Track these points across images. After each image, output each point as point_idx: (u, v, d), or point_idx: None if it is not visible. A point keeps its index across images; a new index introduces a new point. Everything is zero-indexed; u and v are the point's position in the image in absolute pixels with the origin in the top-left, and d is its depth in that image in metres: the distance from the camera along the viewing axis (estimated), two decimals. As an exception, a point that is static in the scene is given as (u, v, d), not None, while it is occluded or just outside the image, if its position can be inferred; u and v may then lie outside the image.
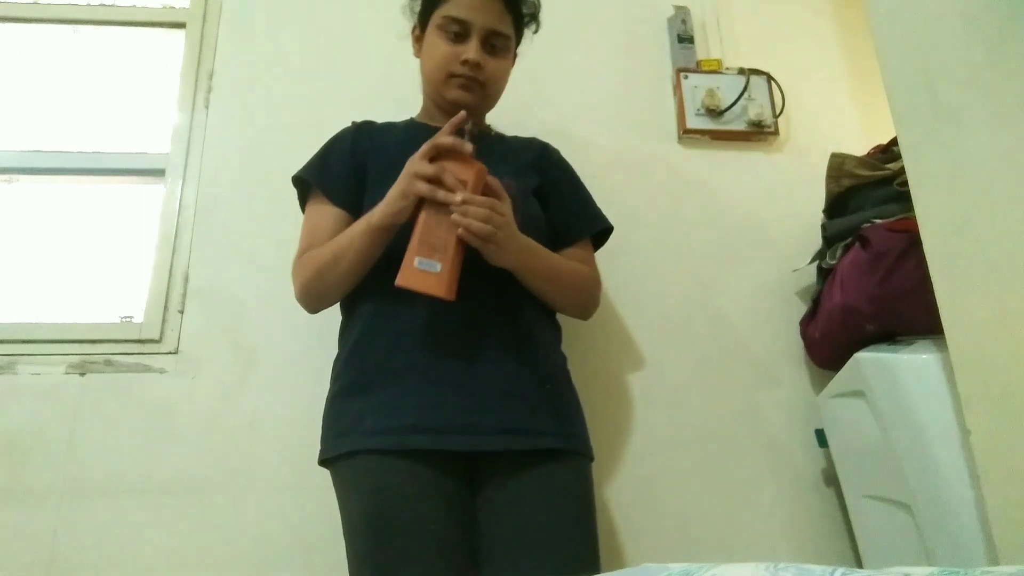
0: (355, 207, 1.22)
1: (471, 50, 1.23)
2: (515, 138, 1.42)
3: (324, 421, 1.15)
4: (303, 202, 1.30)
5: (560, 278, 1.22)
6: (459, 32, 1.24)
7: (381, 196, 1.15)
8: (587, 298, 1.31)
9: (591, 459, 1.19)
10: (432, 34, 1.27)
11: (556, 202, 1.32)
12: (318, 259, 1.16)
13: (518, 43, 1.36)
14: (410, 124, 1.36)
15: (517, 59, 1.39)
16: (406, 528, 1.00)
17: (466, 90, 1.25)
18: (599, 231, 1.37)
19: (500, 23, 1.27)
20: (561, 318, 1.32)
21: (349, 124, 1.34)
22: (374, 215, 1.09)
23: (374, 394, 1.09)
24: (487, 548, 1.06)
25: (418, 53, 1.34)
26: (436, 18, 1.26)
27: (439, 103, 1.31)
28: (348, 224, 1.19)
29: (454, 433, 1.05)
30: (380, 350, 1.12)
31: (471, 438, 1.06)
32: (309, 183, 1.26)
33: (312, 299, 1.21)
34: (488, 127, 1.40)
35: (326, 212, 1.23)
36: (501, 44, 1.28)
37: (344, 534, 1.06)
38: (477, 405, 1.07)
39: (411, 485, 1.03)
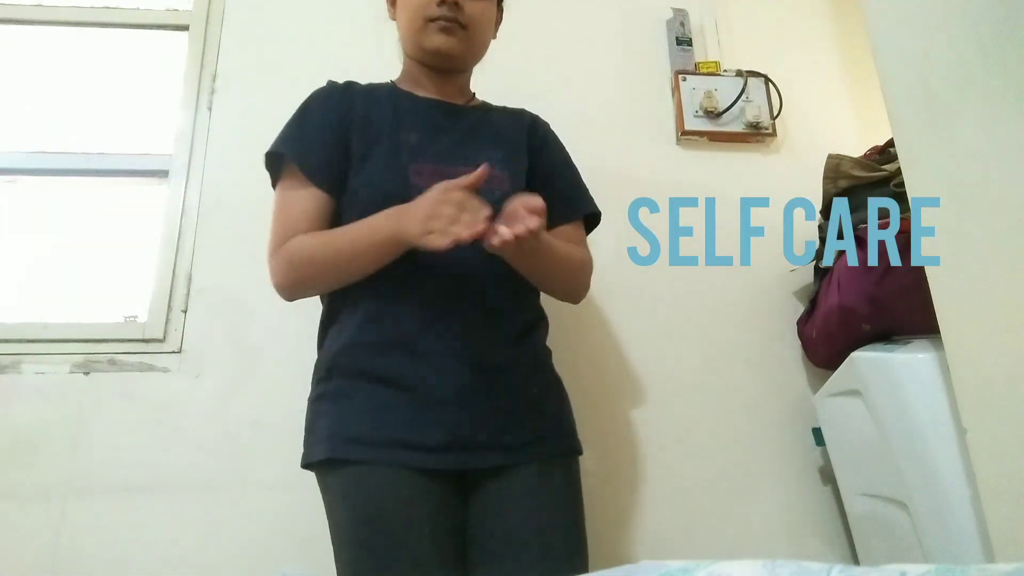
0: (337, 189, 1.13)
1: None
2: (502, 109, 1.32)
3: (308, 424, 1.11)
4: (276, 176, 1.18)
5: (557, 268, 1.16)
6: None
7: (368, 177, 1.12)
8: (580, 283, 1.25)
9: (579, 453, 1.17)
10: None
11: (547, 183, 1.23)
12: (318, 252, 1.08)
13: None
14: (394, 91, 1.25)
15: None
16: (396, 534, 0.99)
17: (448, 33, 1.16)
18: (589, 215, 1.31)
19: None
20: (551, 312, 1.29)
21: (325, 84, 1.25)
22: (408, 230, 1.00)
23: (361, 401, 1.06)
24: (476, 550, 1.05)
25: (393, 16, 1.25)
26: None
27: (420, 57, 1.21)
28: (329, 209, 1.13)
29: (443, 451, 1.03)
30: (368, 356, 1.08)
31: (461, 455, 1.04)
32: (286, 158, 1.14)
33: (300, 290, 1.13)
34: (472, 95, 1.32)
35: (305, 195, 1.12)
36: None
37: (332, 540, 1.04)
38: (466, 421, 1.05)
39: (400, 489, 1.01)
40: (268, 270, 1.12)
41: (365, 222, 1.06)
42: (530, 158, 1.25)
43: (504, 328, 1.13)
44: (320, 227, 1.12)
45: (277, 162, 1.17)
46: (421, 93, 1.24)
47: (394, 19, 1.26)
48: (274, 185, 1.19)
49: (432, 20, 1.16)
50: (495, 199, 1.07)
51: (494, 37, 1.29)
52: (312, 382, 1.15)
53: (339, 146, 1.15)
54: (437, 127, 1.20)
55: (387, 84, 1.28)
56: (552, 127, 1.37)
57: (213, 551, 1.42)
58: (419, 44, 1.19)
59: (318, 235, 1.10)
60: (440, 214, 0.97)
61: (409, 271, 1.07)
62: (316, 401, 1.12)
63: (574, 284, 1.24)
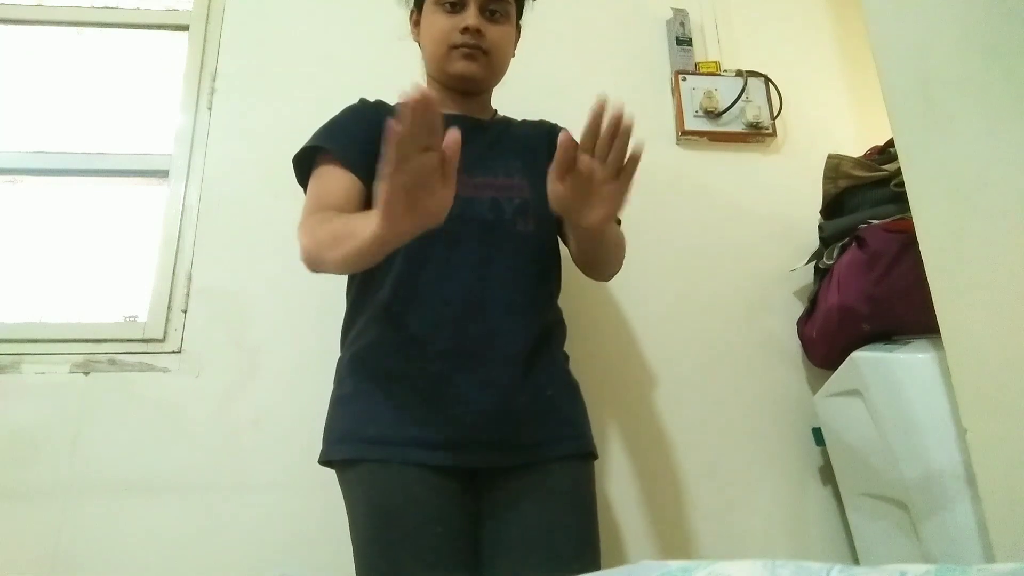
0: (369, 175, 1.11)
1: (470, 17, 1.19)
2: (523, 122, 1.38)
3: (328, 422, 1.14)
4: (307, 175, 1.20)
5: (619, 242, 1.21)
6: (455, 2, 1.20)
7: None
8: (621, 257, 1.26)
9: (595, 457, 1.19)
10: (429, 12, 1.24)
11: None
12: (333, 231, 1.02)
13: (520, 12, 1.32)
14: None
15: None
16: (412, 530, 1.00)
17: (471, 60, 1.21)
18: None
19: None
20: (567, 317, 1.31)
21: (356, 101, 1.29)
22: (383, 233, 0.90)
23: (380, 401, 1.08)
24: (490, 548, 1.06)
25: (417, 37, 1.30)
26: None
27: (444, 80, 1.26)
28: (363, 196, 1.13)
29: (458, 450, 1.05)
30: (387, 357, 1.11)
31: (471, 454, 1.06)
32: (319, 150, 1.17)
33: (316, 264, 1.07)
34: (494, 111, 1.37)
35: (338, 175, 1.14)
36: (500, 10, 1.23)
37: (351, 536, 1.06)
38: (482, 421, 1.07)
39: (416, 488, 1.03)
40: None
41: (360, 216, 1.00)
42: (547, 152, 1.27)
43: (522, 330, 1.15)
44: (354, 209, 1.11)
45: (311, 157, 1.19)
46: (445, 111, 1.26)
47: (417, 41, 1.31)
48: (303, 182, 1.21)
49: (455, 47, 1.20)
50: (515, 206, 1.12)
51: (512, 55, 1.32)
52: (334, 381, 1.18)
53: (371, 149, 1.14)
54: (461, 140, 1.21)
55: None
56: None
57: (213, 551, 1.42)
58: (443, 69, 1.24)
59: (340, 215, 1.08)
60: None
61: (429, 271, 1.11)
62: (337, 401, 1.15)
63: (620, 257, 1.25)
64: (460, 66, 1.22)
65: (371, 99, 1.31)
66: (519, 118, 1.39)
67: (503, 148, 1.25)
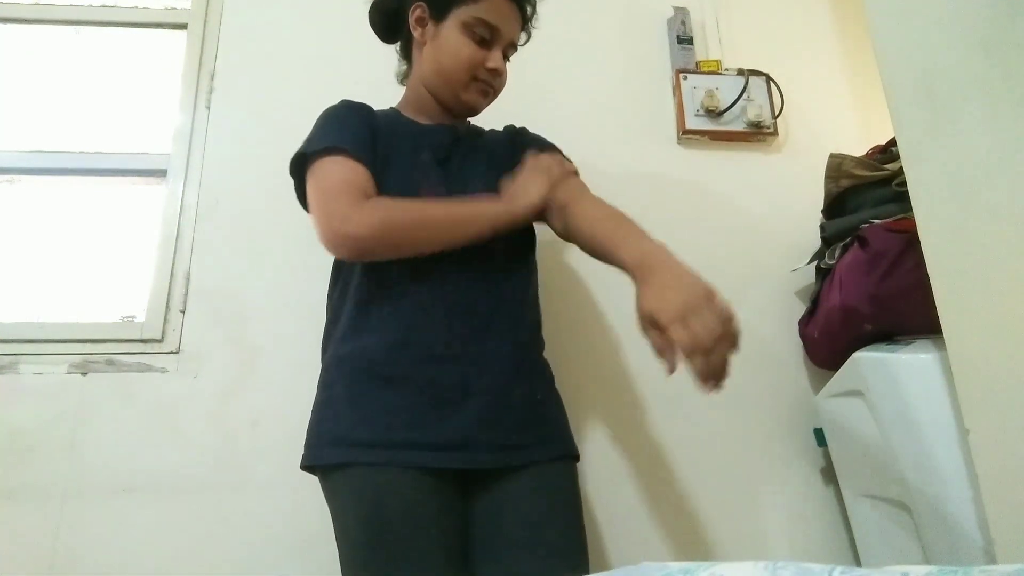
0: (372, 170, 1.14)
1: (497, 59, 1.23)
2: (492, 132, 1.39)
3: (312, 426, 1.12)
4: (303, 174, 1.17)
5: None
6: (486, 38, 1.21)
7: (384, 189, 1.13)
8: None
9: (577, 459, 1.20)
10: (454, 31, 1.20)
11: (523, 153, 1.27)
12: (416, 216, 1.09)
13: None
14: (400, 119, 1.28)
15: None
16: (404, 535, 1.00)
17: (484, 96, 1.26)
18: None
19: (518, 35, 1.28)
20: (552, 311, 1.30)
21: (339, 102, 1.25)
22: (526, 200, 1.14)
23: (367, 404, 1.07)
24: (478, 551, 1.06)
25: (422, 38, 1.25)
26: (463, 15, 1.19)
27: (447, 101, 1.26)
28: (373, 186, 1.12)
29: (448, 450, 1.05)
30: (375, 359, 1.10)
31: (465, 455, 1.06)
32: (332, 150, 1.13)
33: (378, 249, 1.08)
34: (469, 123, 1.37)
35: (357, 167, 1.12)
36: (510, 55, 1.29)
37: (338, 541, 1.05)
38: (470, 423, 1.07)
39: (407, 490, 1.03)
40: (335, 225, 1.06)
41: (460, 203, 1.13)
42: (514, 159, 1.28)
43: (509, 333, 1.15)
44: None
45: (306, 161, 1.16)
46: (424, 121, 1.29)
47: (422, 41, 1.25)
48: (302, 181, 1.18)
49: (477, 80, 1.23)
50: None
51: None
52: (319, 385, 1.16)
53: (371, 144, 1.17)
54: (442, 153, 1.24)
55: (392, 110, 1.31)
56: (552, 126, 1.41)
57: (211, 552, 1.42)
58: (456, 94, 1.25)
59: (406, 202, 1.10)
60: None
61: (417, 275, 1.11)
62: (324, 404, 1.13)
63: None
64: (474, 99, 1.25)
65: (357, 101, 1.28)
66: (506, 123, 1.41)
67: (476, 159, 1.28)
